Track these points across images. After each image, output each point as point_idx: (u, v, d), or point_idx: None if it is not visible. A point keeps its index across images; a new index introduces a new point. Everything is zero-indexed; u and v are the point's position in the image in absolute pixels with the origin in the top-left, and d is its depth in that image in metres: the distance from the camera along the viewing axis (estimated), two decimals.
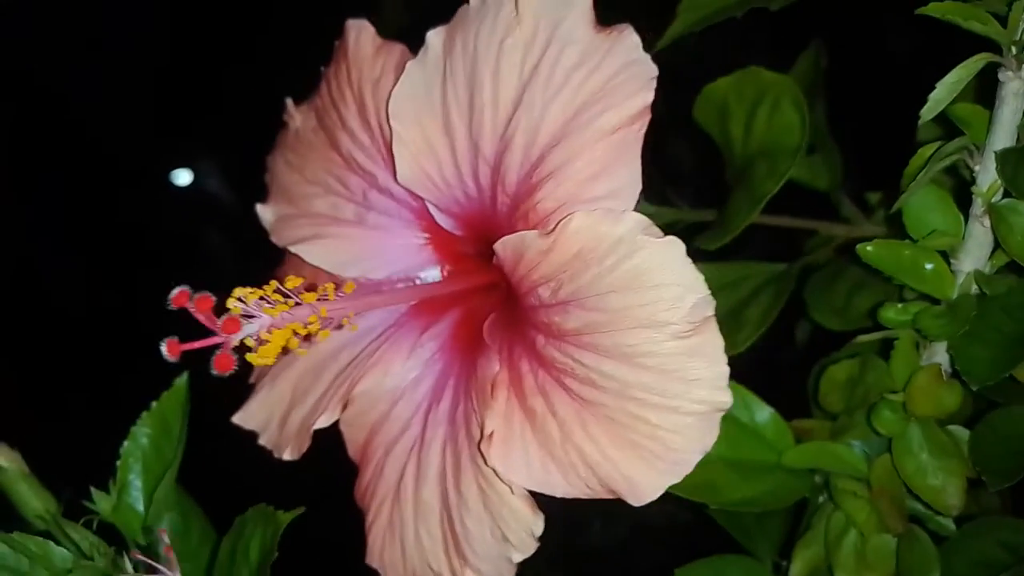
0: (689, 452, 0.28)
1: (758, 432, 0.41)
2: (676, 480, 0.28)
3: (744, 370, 0.41)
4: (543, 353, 0.30)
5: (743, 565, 0.44)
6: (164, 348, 0.27)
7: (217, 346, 0.27)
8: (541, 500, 0.30)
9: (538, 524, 0.30)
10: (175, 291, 0.26)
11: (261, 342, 0.28)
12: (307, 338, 0.29)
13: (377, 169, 0.35)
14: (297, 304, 0.28)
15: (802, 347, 0.54)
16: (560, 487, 0.29)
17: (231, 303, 0.27)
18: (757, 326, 0.44)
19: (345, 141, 0.35)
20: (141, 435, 0.40)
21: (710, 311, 0.27)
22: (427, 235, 0.36)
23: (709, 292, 0.27)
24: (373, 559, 0.35)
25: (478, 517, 0.31)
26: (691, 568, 0.43)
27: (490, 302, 0.34)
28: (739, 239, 0.47)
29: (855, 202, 0.52)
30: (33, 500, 0.39)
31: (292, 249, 0.35)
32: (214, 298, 0.27)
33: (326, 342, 0.36)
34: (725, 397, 0.27)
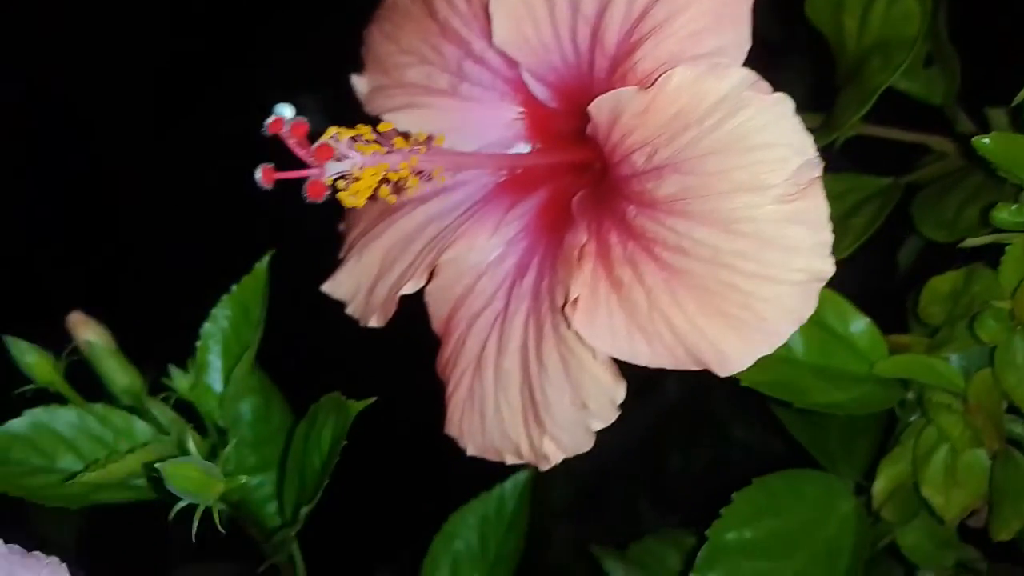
0: (783, 323, 0.27)
1: (851, 342, 0.40)
2: (767, 351, 0.27)
3: (842, 286, 0.40)
4: (633, 224, 0.29)
5: (823, 480, 0.44)
6: (259, 174, 0.27)
7: (306, 179, 0.27)
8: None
9: (619, 392, 0.30)
10: (271, 117, 0.27)
11: (352, 180, 0.28)
12: (396, 185, 0.30)
13: (473, 37, 0.35)
14: (389, 150, 0.29)
15: (904, 273, 0.53)
16: (644, 356, 0.29)
17: (325, 138, 0.28)
18: (859, 235, 0.42)
19: (442, 8, 0.35)
20: (221, 317, 0.42)
21: (816, 173, 0.26)
22: (521, 109, 0.36)
23: (817, 154, 0.26)
24: (452, 428, 0.35)
25: (558, 386, 0.31)
26: (769, 479, 0.43)
27: (579, 182, 0.34)
28: (846, 151, 0.45)
29: (972, 119, 0.49)
30: (120, 376, 0.41)
31: (384, 117, 0.36)
32: (308, 125, 0.27)
33: (413, 216, 0.37)
34: (826, 266, 0.26)
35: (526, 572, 0.56)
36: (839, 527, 0.43)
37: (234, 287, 0.40)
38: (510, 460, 0.34)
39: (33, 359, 0.36)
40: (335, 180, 0.28)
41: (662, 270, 0.28)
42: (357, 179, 0.28)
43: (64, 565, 0.28)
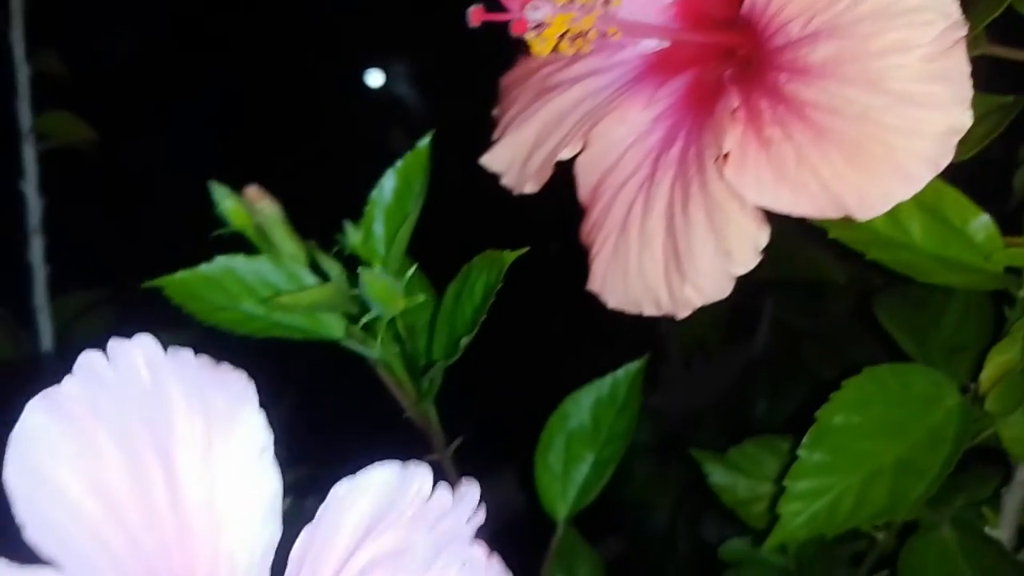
0: (923, 171, 0.31)
1: (968, 235, 0.42)
2: (905, 196, 0.31)
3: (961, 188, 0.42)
4: (784, 90, 0.33)
5: (930, 375, 0.47)
6: (470, 14, 0.32)
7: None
8: None
9: (763, 238, 0.34)
10: None
11: (543, 27, 0.33)
12: (575, 38, 0.34)
13: None
14: (575, 4, 0.33)
15: (1019, 197, 0.55)
16: (788, 205, 0.33)
17: None
18: (978, 143, 0.45)
19: None
20: (387, 187, 0.46)
21: (960, 34, 0.29)
22: None
23: (961, 16, 0.30)
24: (595, 284, 0.40)
25: (702, 237, 0.35)
26: (879, 369, 0.46)
27: (725, 64, 0.38)
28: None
29: None
30: (288, 244, 0.46)
31: None
32: None
33: (569, 94, 0.41)
34: (965, 119, 0.30)
35: (610, 502, 0.60)
36: (944, 418, 0.46)
37: (399, 161, 0.45)
38: (648, 311, 0.38)
39: (230, 204, 0.41)
40: (530, 26, 0.33)
41: (811, 129, 0.32)
42: (548, 26, 0.33)
43: (252, 384, 0.26)
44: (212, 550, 0.25)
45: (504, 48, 0.43)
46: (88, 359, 0.24)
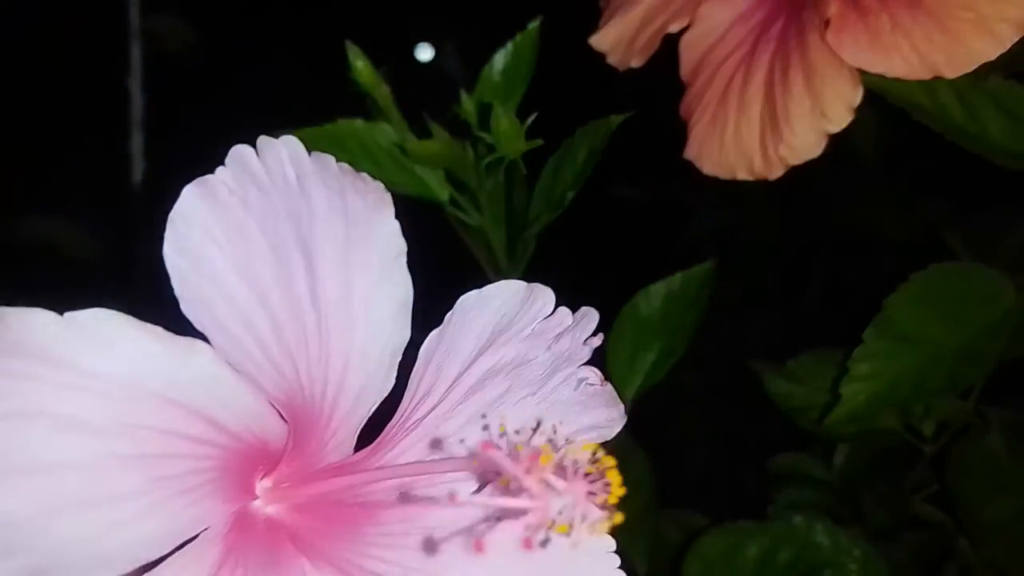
0: (1008, 33, 0.35)
1: None
2: (992, 55, 0.35)
3: None
4: None
5: (991, 275, 0.50)
6: None
7: None
8: None
9: (856, 97, 0.38)
10: None
11: None
12: None
13: None
14: None
15: None
16: (882, 66, 0.37)
17: None
18: None
19: None
20: (497, 64, 0.51)
21: None
22: None
23: None
24: (691, 152, 0.44)
25: (799, 99, 0.39)
26: (945, 266, 0.50)
27: None
28: None
29: None
30: (397, 114, 0.51)
31: None
32: None
33: None
34: None
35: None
36: (1001, 315, 0.49)
37: (510, 42, 0.49)
38: (741, 176, 0.42)
39: (361, 64, 0.46)
40: None
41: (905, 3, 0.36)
42: None
43: (389, 195, 0.26)
44: (347, 345, 0.26)
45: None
46: (239, 152, 0.24)
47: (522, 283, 0.27)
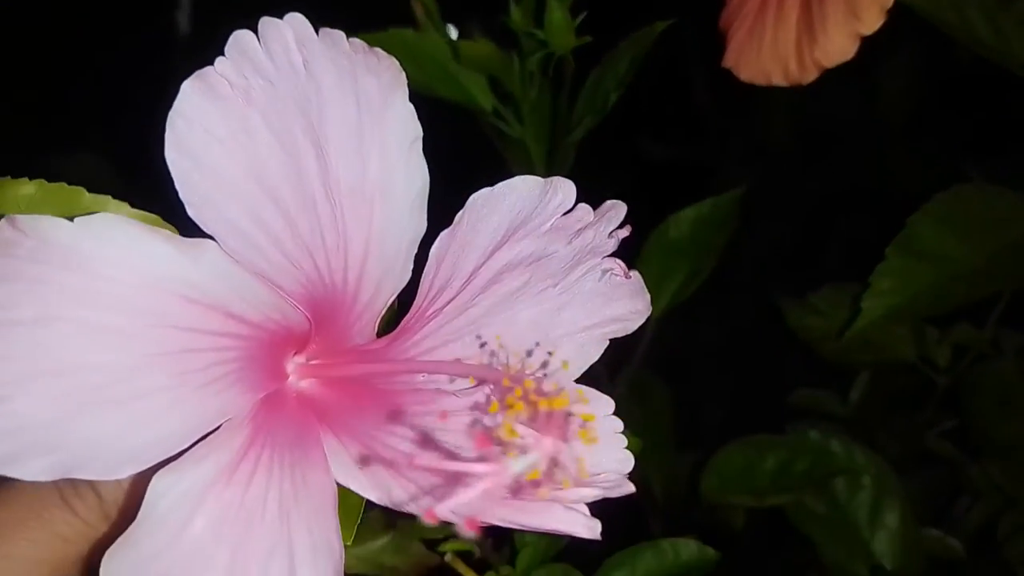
0: None
1: None
2: None
3: None
4: None
5: (1013, 198, 0.53)
6: None
7: None
8: None
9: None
10: None
11: None
12: None
13: None
14: None
15: None
16: None
17: None
18: None
19: None
20: None
21: None
22: None
23: None
24: (729, 60, 0.46)
25: (835, 3, 0.42)
26: (965, 187, 0.52)
27: None
28: None
29: None
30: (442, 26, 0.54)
31: None
32: None
33: None
34: None
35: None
36: (1021, 237, 0.52)
37: None
38: (776, 81, 0.45)
39: None
40: None
41: None
42: None
43: (403, 75, 0.25)
44: (364, 232, 0.25)
45: None
46: (239, 38, 0.23)
47: (538, 178, 0.26)
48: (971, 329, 0.59)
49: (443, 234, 0.26)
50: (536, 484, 0.23)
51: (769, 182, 1.04)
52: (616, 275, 0.29)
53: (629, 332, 0.30)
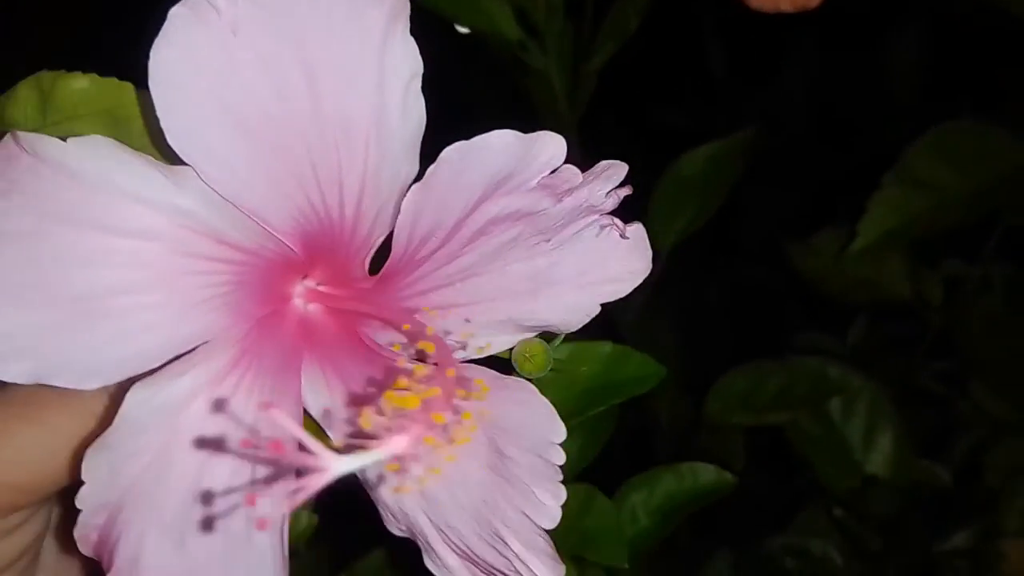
0: None
1: None
2: None
3: None
4: None
5: (1004, 134, 0.57)
6: None
7: None
8: None
9: None
10: None
11: None
12: None
13: None
14: None
15: None
16: None
17: None
18: None
19: None
20: None
21: None
22: None
23: None
24: None
25: None
26: (962, 122, 0.57)
27: None
28: None
29: None
30: None
31: None
32: None
33: None
34: None
35: None
36: (1012, 169, 0.56)
37: None
38: (784, 7, 0.49)
39: None
40: None
41: None
42: None
43: (407, 6, 0.24)
44: (359, 168, 0.24)
45: None
46: None
47: (518, 133, 0.24)
48: (962, 264, 0.63)
49: (414, 187, 0.24)
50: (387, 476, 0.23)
51: (780, 147, 1.08)
52: (614, 231, 0.27)
53: (624, 294, 0.29)
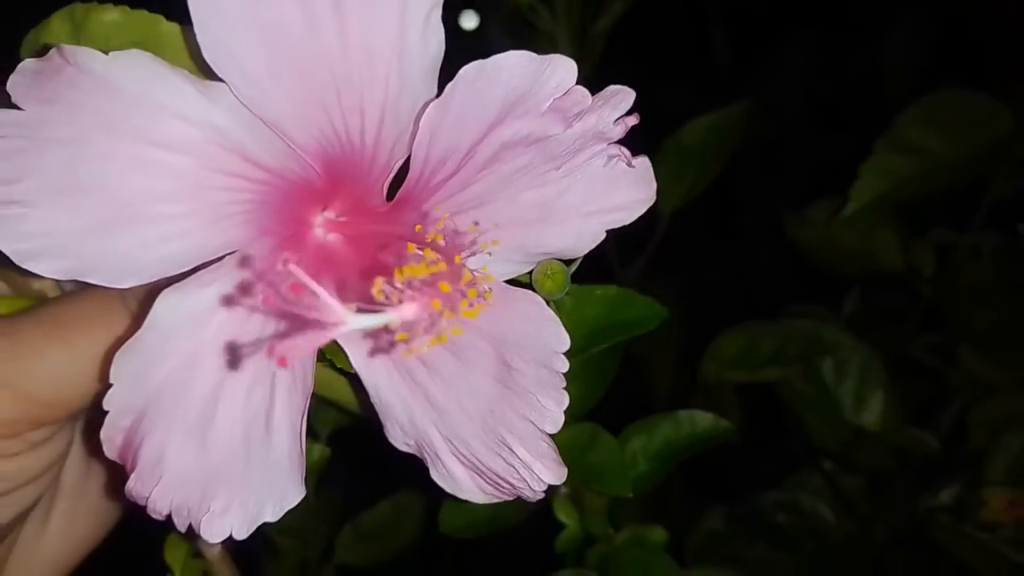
0: None
1: None
2: None
3: None
4: None
5: (991, 103, 0.60)
6: None
7: None
8: None
9: None
10: None
11: None
12: None
13: None
14: None
15: None
16: None
17: None
18: None
19: None
20: None
21: None
22: None
23: None
24: None
25: None
26: (951, 91, 0.59)
27: None
28: None
29: None
30: None
31: None
32: None
33: None
34: None
35: None
36: (999, 138, 0.59)
37: None
38: None
39: None
40: None
41: None
42: None
43: None
44: (380, 95, 0.26)
45: None
46: None
47: (532, 54, 0.25)
48: (953, 234, 0.66)
49: (432, 105, 0.25)
50: (403, 342, 0.25)
51: (780, 130, 1.11)
52: (621, 161, 0.28)
53: (628, 222, 0.30)
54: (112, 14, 0.28)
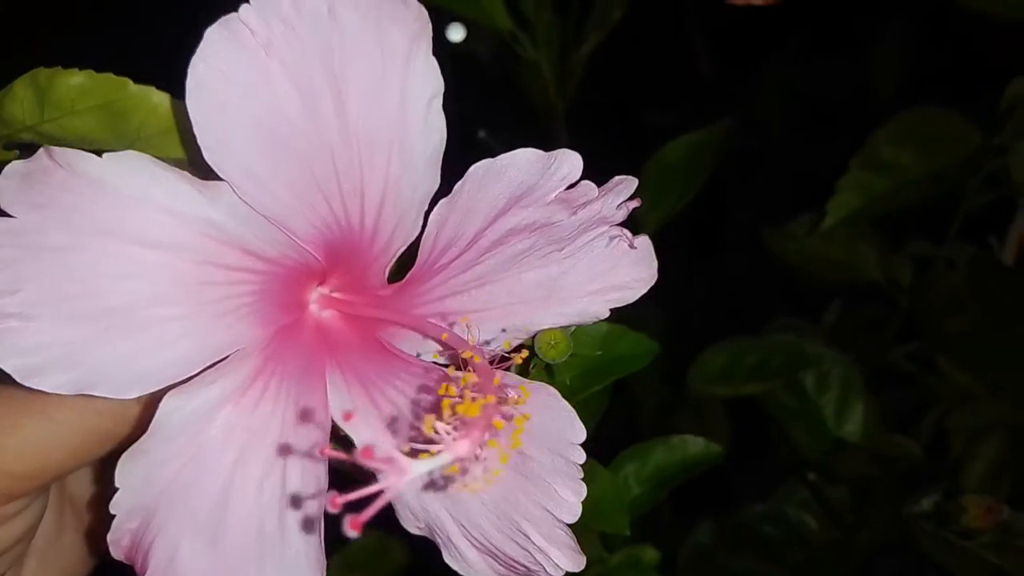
0: None
1: None
2: None
3: None
4: None
5: (962, 120, 0.62)
6: None
7: None
8: None
9: None
10: None
11: None
12: None
13: None
14: None
15: None
16: None
17: None
18: None
19: None
20: None
21: None
22: None
23: None
24: None
25: None
26: (923, 111, 0.61)
27: None
28: None
29: None
30: None
31: None
32: None
33: None
34: None
35: None
36: (968, 153, 0.61)
37: None
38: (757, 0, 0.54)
39: None
40: None
41: None
42: None
43: (429, 25, 0.25)
44: (381, 180, 0.26)
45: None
46: None
47: (539, 151, 0.26)
48: (929, 246, 0.68)
49: (442, 202, 0.26)
50: (452, 478, 0.25)
51: (762, 144, 1.13)
52: (623, 242, 0.29)
53: (631, 301, 0.30)
54: (77, 78, 0.28)
